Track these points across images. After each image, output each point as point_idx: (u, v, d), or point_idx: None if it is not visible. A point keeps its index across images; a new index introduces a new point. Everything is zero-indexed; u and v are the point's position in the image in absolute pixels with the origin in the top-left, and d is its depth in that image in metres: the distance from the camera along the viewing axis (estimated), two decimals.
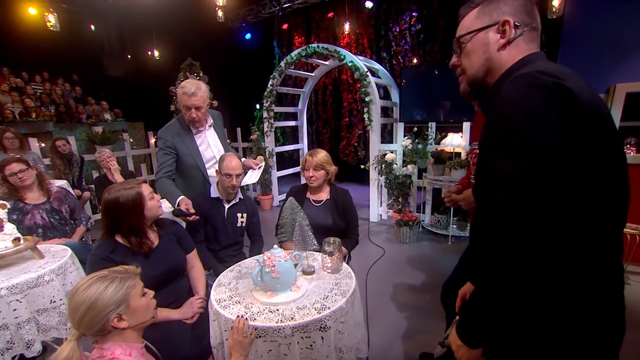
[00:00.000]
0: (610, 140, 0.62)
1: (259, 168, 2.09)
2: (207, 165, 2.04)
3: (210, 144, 2.07)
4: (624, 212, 0.67)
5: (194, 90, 1.85)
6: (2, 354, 1.46)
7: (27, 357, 1.57)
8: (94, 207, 3.94)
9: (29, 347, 1.54)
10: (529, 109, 0.60)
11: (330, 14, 6.43)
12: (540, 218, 0.58)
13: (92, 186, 3.69)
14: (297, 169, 5.78)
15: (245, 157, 2.22)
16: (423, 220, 3.98)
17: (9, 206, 1.72)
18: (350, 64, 4.05)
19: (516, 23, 0.73)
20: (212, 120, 2.11)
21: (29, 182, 2.16)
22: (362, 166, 4.28)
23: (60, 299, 1.64)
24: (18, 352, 1.51)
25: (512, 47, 0.74)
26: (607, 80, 3.36)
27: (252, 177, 2.08)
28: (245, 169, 2.12)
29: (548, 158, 0.57)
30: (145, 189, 1.43)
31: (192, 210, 1.72)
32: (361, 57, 4.62)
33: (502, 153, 0.62)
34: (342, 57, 4.10)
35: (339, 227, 1.94)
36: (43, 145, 4.25)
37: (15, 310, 1.48)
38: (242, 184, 2.00)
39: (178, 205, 1.75)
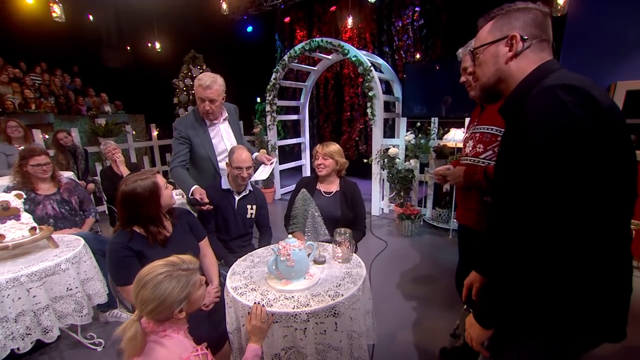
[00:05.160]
0: (624, 142, 0.69)
1: (271, 164, 2.10)
2: (219, 158, 2.07)
3: (223, 137, 2.10)
4: (633, 205, 0.73)
5: (209, 83, 1.88)
6: (22, 339, 1.50)
7: (44, 342, 1.62)
8: (97, 199, 3.95)
9: (46, 332, 1.58)
10: (555, 123, 0.66)
11: (333, 8, 6.41)
12: (562, 206, 0.65)
13: (97, 178, 3.70)
14: (298, 163, 5.81)
15: (258, 152, 2.23)
16: (424, 214, 4.04)
17: (25, 196, 1.74)
18: (354, 59, 4.06)
19: (524, 37, 0.77)
20: (227, 114, 2.13)
21: (50, 174, 2.19)
22: (365, 160, 4.32)
23: (76, 287, 1.69)
24: (36, 337, 1.56)
25: (521, 59, 0.79)
26: (607, 78, 3.41)
27: (262, 174, 2.09)
28: (257, 163, 2.13)
29: (574, 155, 0.64)
30: (160, 179, 1.47)
31: (207, 200, 1.75)
32: (364, 52, 4.62)
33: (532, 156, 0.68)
34: (346, 51, 4.11)
35: (347, 218, 1.98)
36: (47, 137, 4.24)
37: (34, 297, 1.52)
38: (252, 179, 2.02)
39: (192, 194, 1.78)
